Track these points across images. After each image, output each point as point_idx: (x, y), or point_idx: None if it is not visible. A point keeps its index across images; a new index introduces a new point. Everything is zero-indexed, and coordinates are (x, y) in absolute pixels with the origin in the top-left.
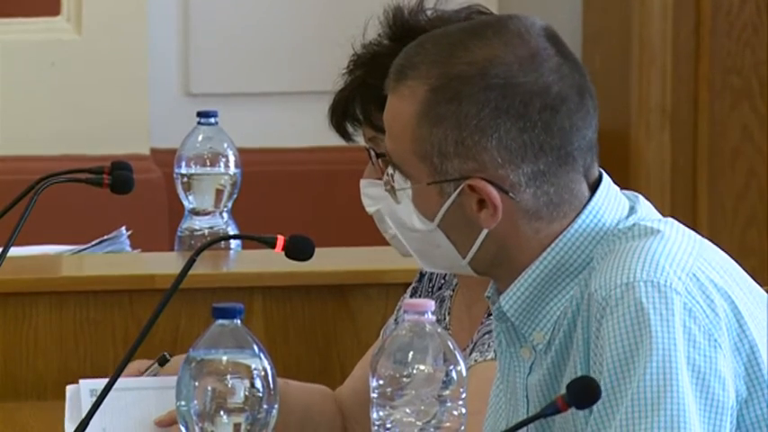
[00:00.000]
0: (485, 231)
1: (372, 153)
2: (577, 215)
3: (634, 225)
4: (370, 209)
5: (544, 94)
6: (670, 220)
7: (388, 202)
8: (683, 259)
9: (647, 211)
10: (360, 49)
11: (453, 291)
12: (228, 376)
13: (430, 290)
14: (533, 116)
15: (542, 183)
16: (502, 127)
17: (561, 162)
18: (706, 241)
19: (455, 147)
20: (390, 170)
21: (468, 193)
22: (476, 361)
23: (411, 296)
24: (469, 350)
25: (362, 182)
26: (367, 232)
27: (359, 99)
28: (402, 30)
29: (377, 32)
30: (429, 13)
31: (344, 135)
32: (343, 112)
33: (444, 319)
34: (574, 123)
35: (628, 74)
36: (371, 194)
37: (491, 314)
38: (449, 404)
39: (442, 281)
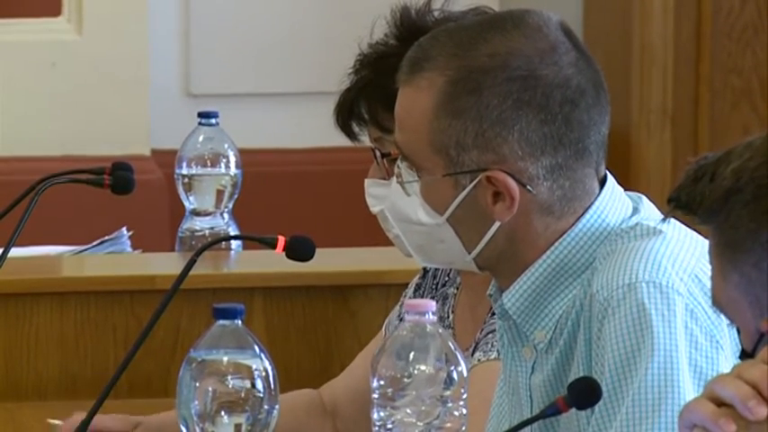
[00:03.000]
0: (496, 225)
1: (378, 153)
2: (582, 214)
3: (636, 225)
4: (374, 208)
5: (564, 87)
6: (672, 220)
7: (392, 198)
8: (685, 260)
9: (650, 212)
10: (366, 49)
11: (457, 289)
12: (229, 377)
13: (434, 287)
14: (554, 109)
15: (558, 176)
16: (523, 119)
17: (578, 156)
18: (708, 242)
19: (474, 138)
20: (399, 162)
21: (484, 185)
22: (479, 360)
23: (414, 292)
24: (472, 350)
25: (367, 181)
26: (367, 232)
27: (365, 99)
28: (409, 30)
29: (383, 32)
30: (436, 13)
31: (350, 135)
32: (349, 112)
33: (448, 317)
34: (591, 117)
35: (628, 74)
36: (375, 194)
37: (495, 314)
38: (450, 404)
39: (446, 278)
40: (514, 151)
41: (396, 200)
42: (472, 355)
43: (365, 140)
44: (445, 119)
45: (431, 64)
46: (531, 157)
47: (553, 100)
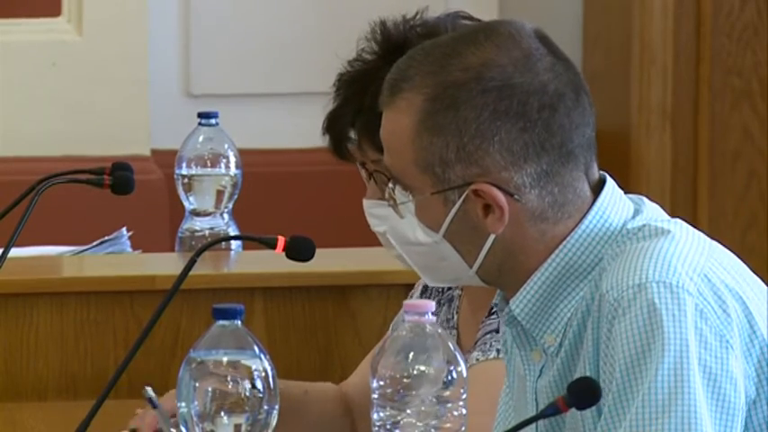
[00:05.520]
0: (492, 237)
1: (382, 176)
2: (584, 216)
3: (644, 226)
4: (378, 228)
5: (541, 93)
6: (678, 221)
7: (390, 221)
8: (694, 260)
9: (654, 213)
10: (347, 67)
11: (462, 290)
12: (229, 377)
13: (440, 289)
14: (532, 116)
15: (546, 183)
16: (502, 129)
17: (564, 160)
18: (714, 242)
19: (457, 153)
20: (391, 185)
21: (472, 199)
22: (477, 360)
23: (422, 294)
24: (471, 350)
25: (366, 202)
26: (367, 233)
27: (361, 124)
28: (388, 46)
29: (363, 48)
30: (413, 23)
31: (343, 156)
32: (345, 137)
33: (453, 317)
34: (573, 120)
35: (628, 74)
36: (379, 214)
37: (491, 314)
38: (449, 405)
39: None
40: (497, 162)
41: (394, 223)
42: (470, 353)
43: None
44: (426, 137)
45: (408, 84)
46: (514, 167)
47: (530, 107)
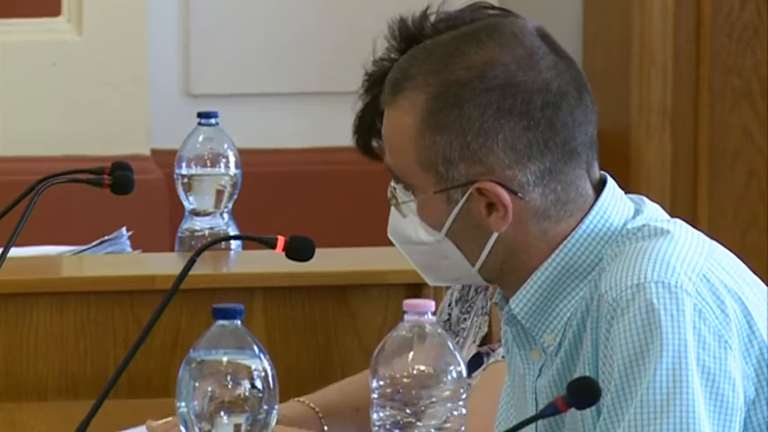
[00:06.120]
0: (495, 236)
1: None
2: (585, 216)
3: (644, 226)
4: None
5: (544, 91)
6: (678, 221)
7: (392, 221)
8: (693, 260)
9: (654, 213)
10: (371, 68)
11: None
12: (229, 377)
13: None
14: (536, 114)
15: (550, 181)
16: (506, 127)
17: (567, 158)
18: (714, 242)
19: (460, 152)
20: (393, 184)
21: (476, 197)
22: (503, 357)
23: (462, 287)
24: (498, 344)
25: None
26: (367, 232)
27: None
28: (410, 42)
29: (385, 48)
30: (433, 18)
31: (373, 155)
32: (369, 132)
33: (486, 304)
34: (575, 118)
35: (628, 74)
36: None
37: None
38: (449, 405)
39: None
40: (501, 160)
41: (395, 222)
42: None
43: None
44: (429, 135)
45: (410, 83)
46: (518, 165)
47: (534, 105)
